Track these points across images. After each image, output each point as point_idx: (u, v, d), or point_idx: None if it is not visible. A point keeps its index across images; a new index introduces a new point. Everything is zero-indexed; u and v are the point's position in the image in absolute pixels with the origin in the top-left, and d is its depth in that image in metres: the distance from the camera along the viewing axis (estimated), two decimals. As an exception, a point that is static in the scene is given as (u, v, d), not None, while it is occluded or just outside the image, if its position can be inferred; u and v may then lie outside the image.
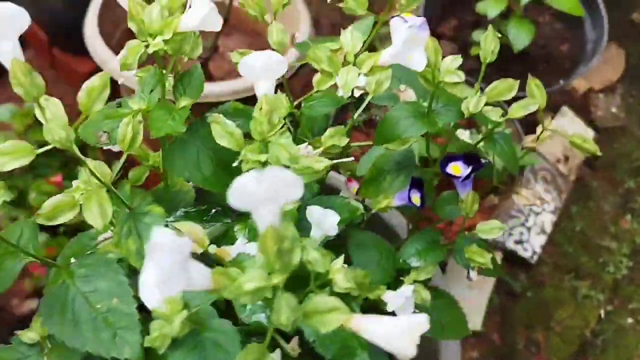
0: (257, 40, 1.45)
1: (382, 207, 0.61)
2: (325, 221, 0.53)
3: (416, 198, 0.59)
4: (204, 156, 0.55)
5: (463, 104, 0.56)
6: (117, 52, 1.25)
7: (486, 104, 0.60)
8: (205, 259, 0.53)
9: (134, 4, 0.50)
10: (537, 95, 0.59)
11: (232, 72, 1.36)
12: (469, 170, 0.56)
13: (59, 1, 1.34)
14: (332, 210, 0.54)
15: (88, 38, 1.16)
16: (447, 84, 0.56)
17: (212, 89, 1.13)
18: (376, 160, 0.67)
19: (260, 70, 0.49)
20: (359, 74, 0.52)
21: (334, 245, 0.64)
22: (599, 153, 0.56)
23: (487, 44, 0.57)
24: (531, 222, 1.30)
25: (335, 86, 0.57)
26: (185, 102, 0.54)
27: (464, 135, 0.75)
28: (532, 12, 1.34)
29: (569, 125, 1.43)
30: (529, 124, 1.09)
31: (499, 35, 0.59)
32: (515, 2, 1.18)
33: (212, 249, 0.51)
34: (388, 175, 0.65)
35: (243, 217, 0.59)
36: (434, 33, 1.32)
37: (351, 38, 0.53)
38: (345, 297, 0.45)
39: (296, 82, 1.67)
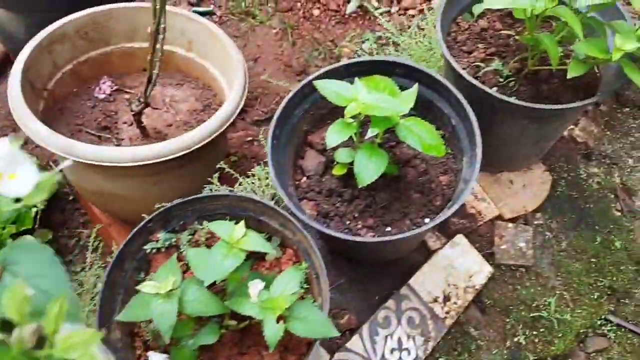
0: (206, 92, 1.44)
1: None
2: None
3: None
4: None
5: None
6: (45, 106, 1.28)
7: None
8: None
9: None
10: None
11: (176, 124, 1.36)
12: None
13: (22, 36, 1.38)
14: None
15: (11, 97, 1.13)
16: None
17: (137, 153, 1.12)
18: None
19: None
20: None
21: None
22: None
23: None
24: (379, 372, 1.12)
25: None
26: None
27: None
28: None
29: (459, 257, 1.25)
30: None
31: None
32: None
33: None
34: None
35: None
36: (305, 141, 1.19)
37: None
38: None
39: (236, 139, 1.58)
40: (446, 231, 1.28)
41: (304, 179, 1.15)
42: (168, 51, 1.39)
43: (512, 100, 1.04)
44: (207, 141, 1.16)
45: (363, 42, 1.91)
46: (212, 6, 2.05)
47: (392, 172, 1.10)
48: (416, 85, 1.01)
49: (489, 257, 1.28)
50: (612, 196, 1.38)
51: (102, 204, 1.42)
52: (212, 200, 0.99)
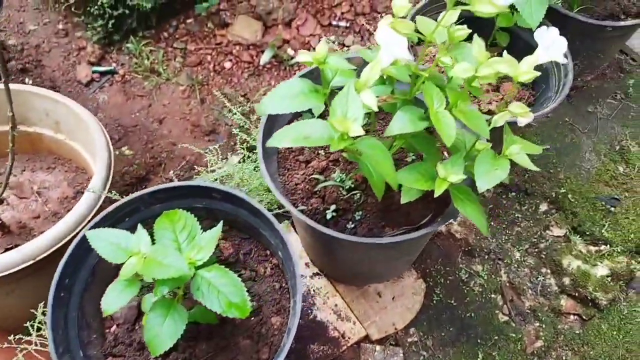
0: (80, 176, 1.31)
1: None
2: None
3: None
4: None
5: None
6: None
7: None
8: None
9: None
10: None
11: (45, 215, 1.22)
12: None
13: None
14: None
15: None
16: None
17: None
18: None
19: None
20: None
21: None
22: None
23: None
24: None
25: None
26: None
27: None
28: (255, 256, 1.00)
29: (316, 396, 1.07)
30: None
31: None
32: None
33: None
34: None
35: None
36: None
37: None
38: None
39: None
40: (303, 362, 1.11)
41: (114, 327, 0.96)
42: (35, 133, 1.31)
43: (340, 235, 0.87)
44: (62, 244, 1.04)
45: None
46: (113, 65, 1.88)
47: (211, 322, 0.92)
48: (219, 226, 0.84)
49: (355, 389, 1.10)
50: (498, 298, 1.22)
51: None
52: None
